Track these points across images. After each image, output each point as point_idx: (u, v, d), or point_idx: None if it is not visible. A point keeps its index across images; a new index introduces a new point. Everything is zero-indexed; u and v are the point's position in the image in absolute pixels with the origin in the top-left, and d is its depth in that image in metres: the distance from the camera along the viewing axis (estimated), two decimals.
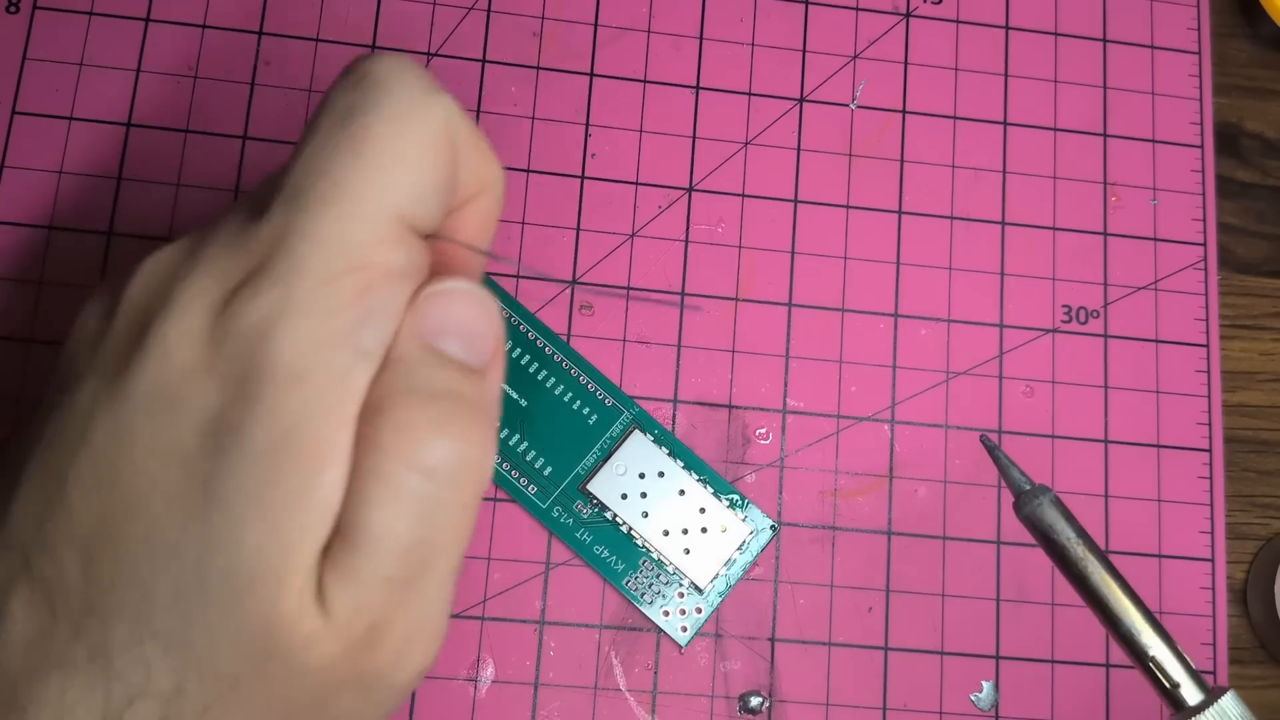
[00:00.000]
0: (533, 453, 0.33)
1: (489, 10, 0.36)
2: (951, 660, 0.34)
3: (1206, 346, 0.36)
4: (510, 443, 0.33)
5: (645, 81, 0.36)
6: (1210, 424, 0.36)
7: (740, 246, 0.35)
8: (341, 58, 0.35)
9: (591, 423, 0.33)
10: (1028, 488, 0.25)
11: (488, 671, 0.32)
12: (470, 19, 0.36)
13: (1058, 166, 0.37)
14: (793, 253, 0.36)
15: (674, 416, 0.34)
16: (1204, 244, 0.37)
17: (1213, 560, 0.35)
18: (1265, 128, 0.39)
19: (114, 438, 0.20)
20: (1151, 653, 0.24)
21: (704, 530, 0.33)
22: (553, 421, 0.33)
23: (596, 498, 0.33)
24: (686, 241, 0.35)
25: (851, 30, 0.37)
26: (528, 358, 0.34)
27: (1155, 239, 0.37)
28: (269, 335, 0.19)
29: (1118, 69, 0.38)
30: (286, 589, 0.19)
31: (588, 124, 0.36)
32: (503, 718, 0.32)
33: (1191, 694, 0.23)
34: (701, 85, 0.36)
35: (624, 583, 0.33)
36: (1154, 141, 0.37)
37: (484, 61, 0.36)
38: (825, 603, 0.34)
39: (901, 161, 0.36)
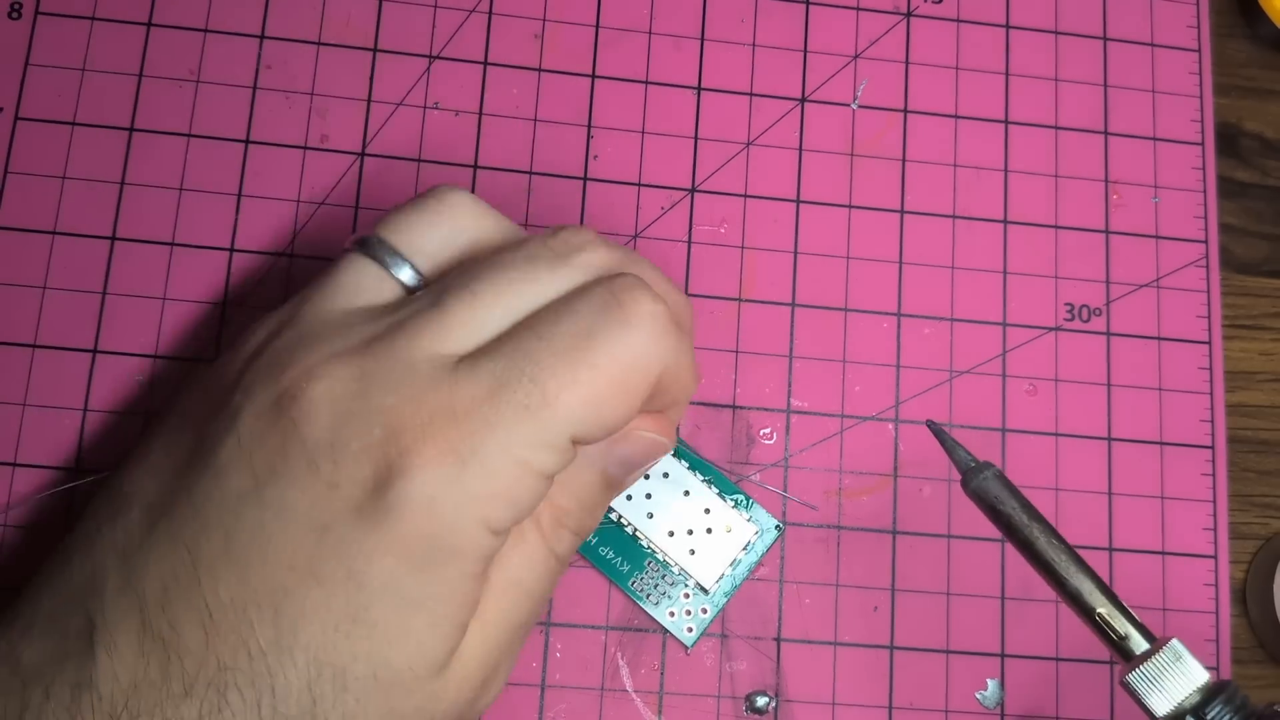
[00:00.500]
0: None
1: (490, 13, 0.36)
2: (957, 659, 0.34)
3: (1209, 344, 0.36)
4: None
5: (647, 83, 0.36)
6: (1213, 421, 0.36)
7: (743, 247, 0.35)
8: (343, 60, 0.35)
9: None
10: (973, 464, 0.27)
11: None
12: (471, 21, 0.36)
13: (1059, 165, 0.37)
14: (795, 253, 0.36)
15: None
16: (1205, 241, 0.37)
17: (1215, 557, 0.35)
18: (1265, 128, 0.39)
19: (257, 540, 0.22)
20: (1099, 609, 0.25)
21: (709, 531, 0.33)
22: None
23: None
24: (689, 242, 0.35)
25: (852, 30, 0.37)
26: None
27: (1157, 236, 0.37)
28: (436, 513, 0.22)
29: (1118, 67, 0.38)
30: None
31: (589, 126, 0.36)
32: (509, 719, 0.32)
33: (1139, 644, 0.25)
34: (703, 86, 0.36)
35: (630, 584, 0.33)
36: (1155, 139, 0.38)
37: (485, 64, 0.36)
38: (830, 602, 0.34)
39: (903, 161, 0.36)
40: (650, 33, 0.37)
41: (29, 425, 0.32)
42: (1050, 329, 0.36)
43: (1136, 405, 0.36)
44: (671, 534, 0.33)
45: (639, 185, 0.35)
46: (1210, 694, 0.24)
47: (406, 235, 0.26)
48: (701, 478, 0.33)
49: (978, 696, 0.34)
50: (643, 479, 0.33)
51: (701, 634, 0.33)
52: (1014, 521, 0.26)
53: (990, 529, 0.34)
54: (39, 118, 0.34)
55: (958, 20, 0.38)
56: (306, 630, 0.22)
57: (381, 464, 0.22)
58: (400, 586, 0.22)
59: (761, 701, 0.33)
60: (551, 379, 0.22)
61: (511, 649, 0.25)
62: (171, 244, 0.34)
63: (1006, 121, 0.37)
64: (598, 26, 0.36)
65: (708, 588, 0.33)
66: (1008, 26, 0.38)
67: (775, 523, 0.33)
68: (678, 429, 0.33)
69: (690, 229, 0.35)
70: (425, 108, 0.35)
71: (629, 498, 0.33)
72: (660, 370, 0.24)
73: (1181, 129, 0.38)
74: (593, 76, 0.36)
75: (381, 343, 0.23)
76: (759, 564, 0.33)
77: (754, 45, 0.37)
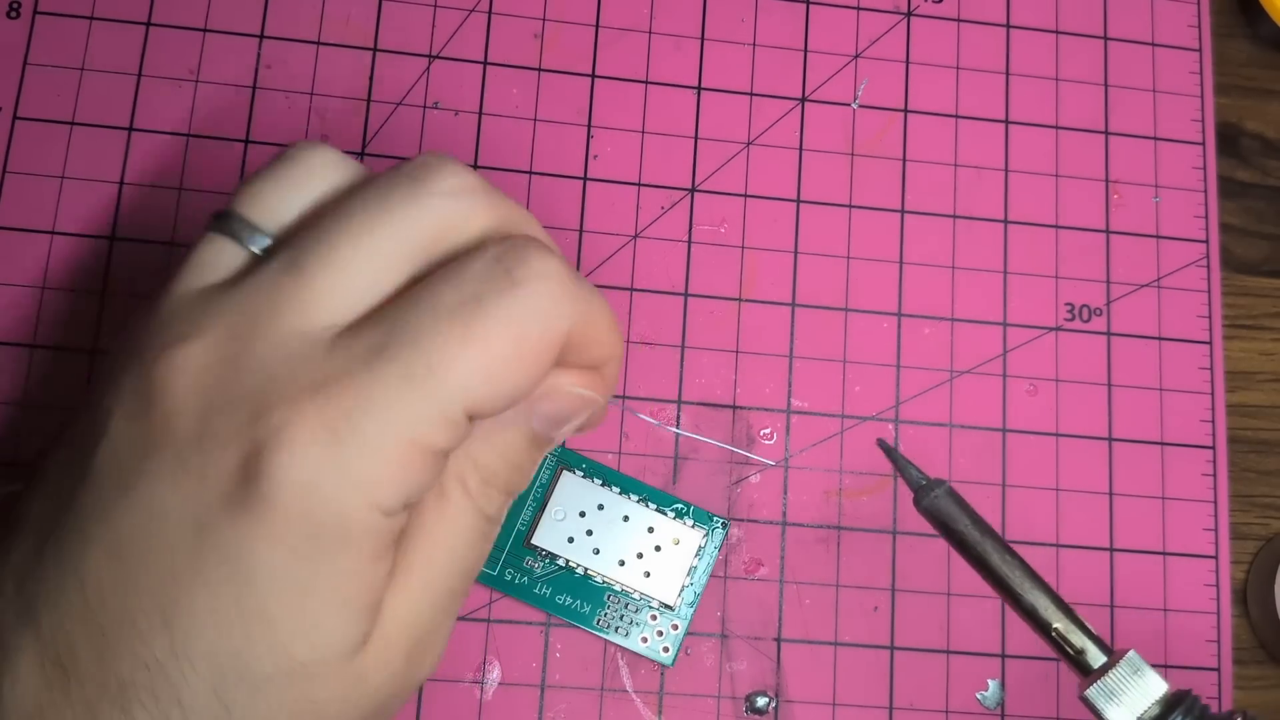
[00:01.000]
0: None
1: (490, 12, 0.36)
2: (957, 659, 0.34)
3: (1209, 344, 0.36)
4: None
5: (647, 82, 0.36)
6: (1214, 421, 0.36)
7: (743, 247, 0.35)
8: (343, 60, 0.35)
9: None
10: (924, 482, 0.27)
11: (494, 674, 0.32)
12: (471, 21, 0.36)
13: (1060, 164, 0.37)
14: (795, 252, 0.36)
15: (678, 417, 0.34)
16: (1206, 241, 0.37)
17: (1216, 558, 0.35)
18: (1265, 128, 0.39)
19: (137, 547, 0.21)
20: (1055, 625, 0.25)
21: (658, 549, 0.33)
22: None
23: (544, 549, 0.32)
24: (689, 242, 0.35)
25: (853, 30, 0.37)
26: None
27: (1158, 236, 0.37)
28: (314, 498, 0.20)
29: (1119, 67, 0.38)
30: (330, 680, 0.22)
31: (589, 125, 0.36)
32: None
33: (1096, 657, 0.25)
34: (703, 86, 0.36)
35: (595, 623, 0.32)
36: (1155, 139, 0.38)
37: (485, 64, 0.36)
38: (831, 602, 0.34)
39: (904, 161, 0.36)
40: (650, 32, 0.36)
41: (29, 425, 0.32)
42: (1051, 329, 0.36)
43: (1137, 405, 0.36)
44: (622, 563, 0.33)
45: (639, 185, 0.35)
46: (1170, 705, 0.24)
47: (261, 203, 0.23)
48: (636, 498, 0.33)
49: (978, 697, 0.33)
50: (579, 517, 0.33)
51: (679, 649, 0.33)
52: (967, 539, 0.26)
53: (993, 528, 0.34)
54: (38, 117, 0.34)
55: (958, 20, 0.38)
56: (202, 635, 0.21)
57: (249, 449, 0.20)
58: (290, 577, 0.21)
59: (762, 702, 0.33)
60: (436, 347, 0.21)
61: (444, 616, 0.24)
62: (171, 244, 0.34)
63: (1007, 121, 0.37)
64: (598, 26, 0.36)
65: (672, 604, 0.33)
66: (1008, 26, 0.38)
67: (720, 520, 0.33)
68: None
69: (690, 229, 0.35)
70: (425, 108, 0.35)
71: (570, 540, 0.32)
72: (563, 332, 0.22)
73: (1182, 129, 0.38)
74: (593, 76, 0.36)
75: (245, 321, 0.21)
76: (716, 563, 0.33)
77: (754, 45, 0.37)
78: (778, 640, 0.33)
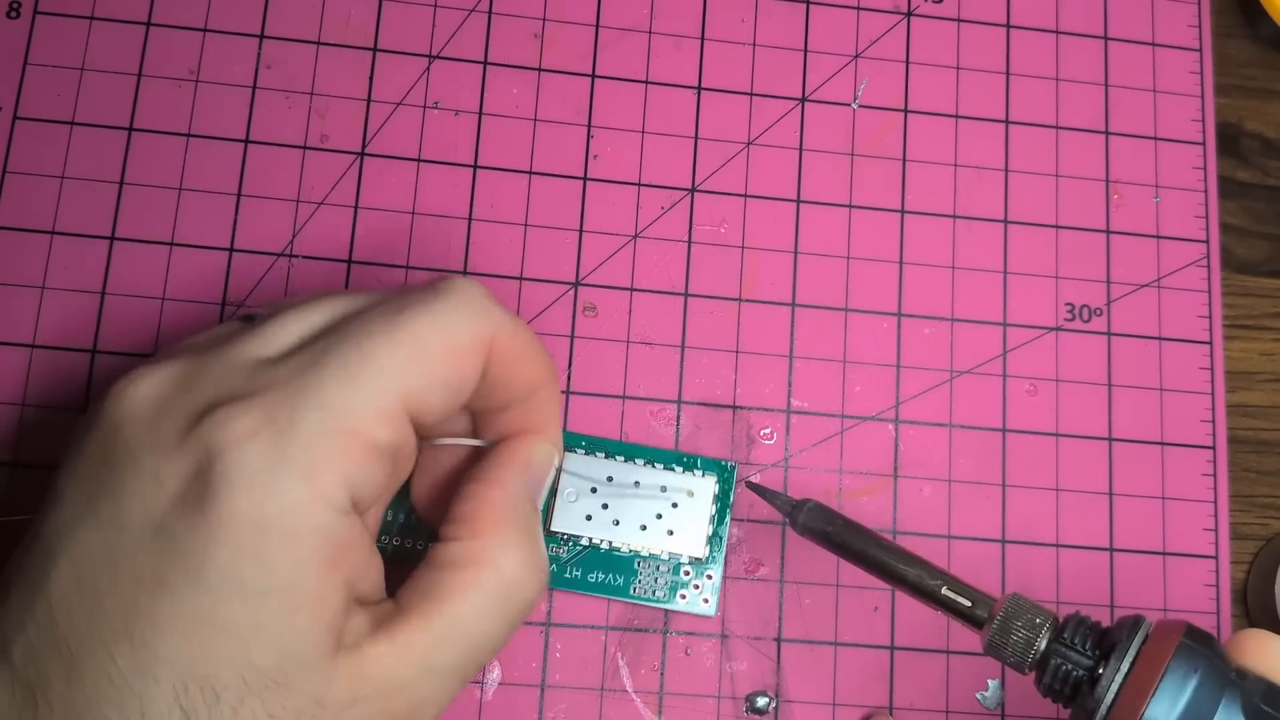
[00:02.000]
0: None
1: (490, 12, 0.36)
2: (957, 659, 0.34)
3: (1209, 344, 0.36)
4: None
5: (647, 82, 0.36)
6: (1214, 421, 0.36)
7: (743, 247, 0.35)
8: (343, 60, 0.35)
9: None
10: (794, 503, 0.29)
11: (494, 674, 0.32)
12: (471, 21, 0.36)
13: (1060, 164, 0.37)
14: (795, 253, 0.36)
15: (678, 417, 0.34)
16: (1206, 241, 0.37)
17: (1216, 558, 0.35)
18: (1265, 128, 0.39)
19: (102, 561, 0.21)
20: (943, 589, 0.27)
21: (675, 506, 0.33)
22: None
23: (565, 533, 0.32)
24: (689, 242, 0.35)
25: (853, 30, 0.37)
26: None
27: (1158, 236, 0.37)
28: (259, 490, 0.21)
29: (1119, 67, 0.38)
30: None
31: (589, 125, 0.36)
32: None
33: (984, 607, 0.26)
34: (703, 86, 0.36)
35: (632, 592, 0.33)
36: (1156, 139, 0.38)
37: (485, 64, 0.36)
38: (831, 602, 0.34)
39: (904, 161, 0.36)
40: (650, 32, 0.36)
41: (29, 425, 0.32)
42: (1051, 329, 0.36)
43: (1137, 405, 0.36)
44: (644, 528, 0.33)
45: (639, 185, 0.35)
46: (1060, 628, 0.25)
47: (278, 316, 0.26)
48: (642, 462, 0.33)
49: (978, 697, 0.33)
50: (590, 494, 0.33)
51: (718, 595, 0.33)
52: (845, 539, 0.28)
53: (992, 529, 0.34)
54: (38, 117, 0.34)
55: (958, 20, 0.38)
56: (163, 645, 0.21)
57: (200, 450, 0.21)
58: (242, 580, 0.21)
59: (762, 702, 0.33)
60: (371, 343, 0.22)
61: (436, 683, 0.24)
62: (171, 244, 0.34)
63: (1007, 121, 0.37)
64: (598, 26, 0.36)
65: (701, 556, 0.33)
66: (1008, 26, 0.38)
67: (729, 463, 0.33)
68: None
69: (690, 229, 0.35)
70: (425, 107, 0.35)
71: (589, 518, 0.33)
72: (487, 335, 0.24)
73: (1182, 129, 0.38)
74: (593, 76, 0.36)
75: (202, 351, 0.23)
76: (733, 504, 0.33)
77: (754, 45, 0.37)
78: (778, 640, 0.33)
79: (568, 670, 0.32)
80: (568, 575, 0.32)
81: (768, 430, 0.34)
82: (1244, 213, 0.38)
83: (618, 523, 0.33)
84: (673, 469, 0.33)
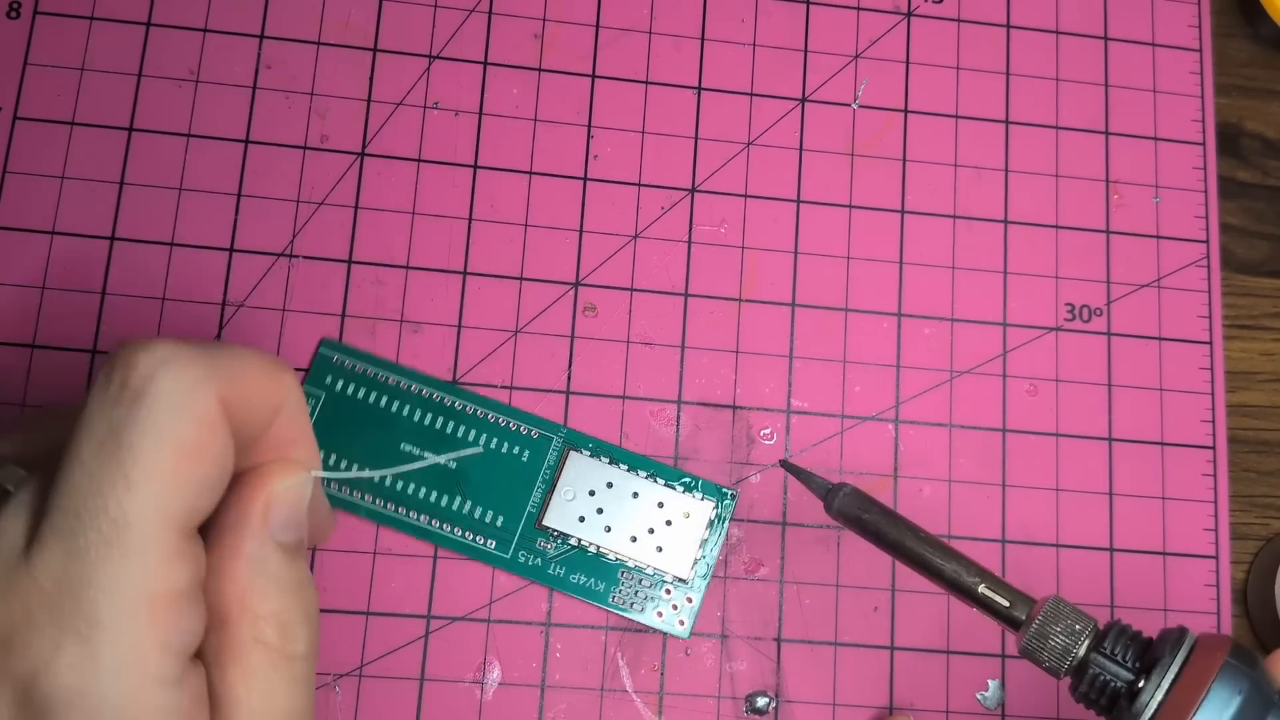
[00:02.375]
0: (479, 509, 0.33)
1: (490, 12, 0.36)
2: (957, 659, 0.34)
3: (1209, 344, 0.36)
4: (454, 507, 0.33)
5: (647, 83, 0.36)
6: (1214, 421, 0.36)
7: (743, 247, 0.35)
8: (343, 60, 0.35)
9: (525, 460, 0.33)
10: (830, 487, 0.27)
11: (494, 674, 0.32)
12: (471, 21, 0.36)
13: (1060, 165, 0.37)
14: (795, 253, 0.36)
15: (678, 417, 0.34)
16: (1206, 241, 0.37)
17: (1216, 558, 0.35)
18: (1265, 128, 0.39)
19: None
20: (980, 587, 0.26)
21: (669, 523, 0.33)
22: (487, 472, 0.33)
23: (556, 530, 0.32)
24: (689, 242, 0.35)
25: (853, 30, 0.37)
26: (440, 420, 0.33)
27: (1158, 236, 0.37)
28: (89, 702, 0.19)
29: (1119, 67, 0.38)
30: None
31: (590, 125, 0.36)
32: None
33: (1023, 608, 0.25)
34: (703, 86, 0.36)
35: (610, 600, 0.33)
36: (1156, 139, 0.38)
37: (485, 64, 0.36)
38: (831, 603, 0.34)
39: (904, 161, 0.36)
40: (650, 33, 0.36)
41: (29, 426, 0.32)
42: (1051, 329, 0.36)
43: (1137, 405, 0.36)
44: (634, 539, 0.33)
45: (639, 185, 0.35)
46: (1100, 636, 0.24)
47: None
48: (644, 475, 0.33)
49: (978, 697, 0.33)
50: (588, 496, 0.33)
51: (694, 621, 0.33)
52: (881, 528, 0.27)
53: (992, 529, 0.34)
54: (38, 117, 0.34)
55: (958, 20, 0.38)
56: None
57: (15, 683, 0.19)
58: None
59: (762, 702, 0.33)
60: (109, 492, 0.20)
61: None
62: (171, 244, 0.34)
63: (1007, 121, 0.37)
64: (598, 26, 0.36)
65: (685, 578, 0.33)
66: (1008, 26, 0.38)
67: (729, 491, 0.33)
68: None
69: (690, 229, 0.35)
70: (425, 108, 0.35)
71: (581, 519, 0.33)
72: (213, 404, 0.21)
73: (1182, 129, 0.38)
74: (593, 76, 0.36)
75: None
76: (728, 536, 0.33)
77: (754, 45, 0.37)
78: (778, 640, 0.33)
79: (568, 670, 0.32)
80: (550, 572, 0.32)
81: (768, 430, 0.34)
82: (1244, 213, 0.38)
83: (609, 529, 0.33)
84: (673, 487, 0.33)
